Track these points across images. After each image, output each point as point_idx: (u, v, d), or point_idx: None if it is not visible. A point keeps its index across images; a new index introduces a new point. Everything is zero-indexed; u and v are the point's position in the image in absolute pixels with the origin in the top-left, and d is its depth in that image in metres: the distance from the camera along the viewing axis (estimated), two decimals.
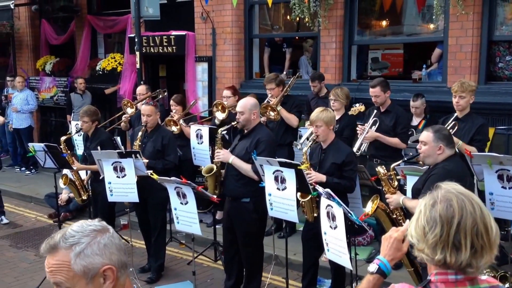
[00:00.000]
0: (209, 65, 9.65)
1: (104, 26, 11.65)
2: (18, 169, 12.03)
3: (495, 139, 6.83)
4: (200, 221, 6.29)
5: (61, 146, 6.87)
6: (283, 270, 6.55)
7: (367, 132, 6.34)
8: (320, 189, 4.66)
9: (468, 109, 5.78)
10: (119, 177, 6.07)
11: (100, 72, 11.47)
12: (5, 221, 8.75)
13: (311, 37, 9.49)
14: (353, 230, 4.75)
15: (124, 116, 8.19)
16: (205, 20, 9.51)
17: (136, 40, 8.93)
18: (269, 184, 5.24)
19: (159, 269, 6.61)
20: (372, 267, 2.34)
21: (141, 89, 8.34)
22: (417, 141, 6.32)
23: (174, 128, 7.46)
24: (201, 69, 9.75)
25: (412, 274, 4.61)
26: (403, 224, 4.62)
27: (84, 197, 7.19)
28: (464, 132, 5.66)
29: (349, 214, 4.32)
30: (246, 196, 5.57)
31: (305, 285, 5.78)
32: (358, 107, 6.97)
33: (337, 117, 6.22)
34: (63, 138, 6.98)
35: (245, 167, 5.51)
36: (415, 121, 6.83)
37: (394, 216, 4.72)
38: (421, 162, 4.79)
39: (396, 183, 4.78)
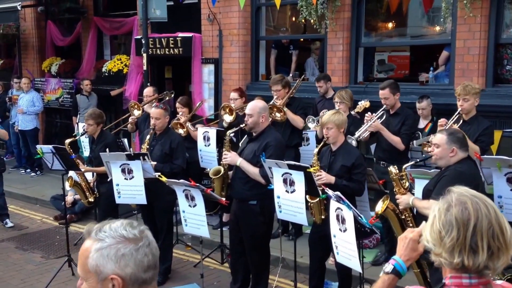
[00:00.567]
0: (215, 67, 9.64)
1: (110, 27, 11.66)
2: (23, 171, 12.02)
3: (502, 142, 6.79)
4: None
5: (66, 148, 6.86)
6: (289, 272, 6.55)
7: (373, 121, 6.33)
8: (330, 192, 4.65)
9: (474, 112, 5.75)
10: (126, 179, 6.07)
11: (106, 74, 11.47)
12: (9, 224, 8.68)
13: (318, 39, 9.48)
14: (359, 233, 4.74)
15: (131, 118, 8.19)
16: (212, 21, 9.51)
17: (143, 42, 8.93)
18: (278, 187, 5.23)
19: (166, 271, 6.60)
20: (388, 267, 2.34)
21: (148, 91, 8.34)
22: (421, 144, 6.35)
23: (181, 131, 7.45)
24: (208, 71, 9.75)
25: (418, 276, 4.59)
26: (411, 225, 4.66)
27: (91, 199, 7.18)
28: (469, 135, 5.61)
29: (359, 218, 4.31)
30: (253, 199, 5.58)
31: (311, 287, 5.76)
32: (364, 104, 6.96)
33: None
34: (68, 140, 6.95)
35: (252, 171, 5.51)
36: (422, 123, 6.79)
37: (403, 217, 4.72)
38: (433, 164, 4.77)
39: (407, 184, 4.77)
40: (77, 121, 10.74)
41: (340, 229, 4.54)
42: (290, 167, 5.09)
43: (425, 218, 4.08)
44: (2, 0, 12.58)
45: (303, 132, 7.52)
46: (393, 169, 4.82)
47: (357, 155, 5.36)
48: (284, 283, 6.42)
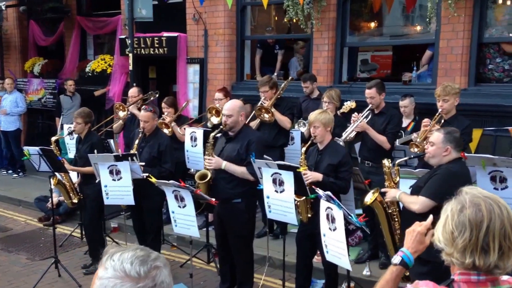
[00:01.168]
0: (200, 66, 9.63)
1: (94, 27, 11.58)
2: (5, 172, 11.90)
3: (482, 140, 6.86)
4: None
5: (52, 146, 6.81)
6: (275, 271, 6.61)
7: (360, 121, 6.39)
8: (320, 191, 4.69)
9: (454, 111, 5.82)
10: (114, 180, 6.04)
11: (90, 74, 11.39)
12: None
13: (303, 39, 9.52)
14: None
15: (121, 118, 8.10)
16: (197, 21, 9.50)
17: (129, 42, 8.88)
18: (267, 187, 5.25)
19: None
20: (396, 258, 2.43)
21: (133, 91, 8.26)
22: (405, 143, 6.42)
23: (166, 131, 7.42)
24: (193, 70, 9.73)
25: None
26: (396, 220, 4.82)
27: (75, 200, 7.12)
28: None
29: (349, 217, 4.36)
30: (237, 197, 5.57)
31: (298, 286, 5.79)
32: (349, 104, 7.02)
33: None
34: (53, 138, 6.92)
35: (240, 170, 5.49)
36: (405, 122, 6.86)
37: (390, 211, 4.86)
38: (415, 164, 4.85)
39: (398, 178, 4.85)
40: (60, 122, 10.65)
41: (330, 228, 4.58)
42: (280, 167, 5.11)
43: (411, 213, 4.18)
44: None
45: (290, 132, 7.54)
46: (386, 161, 4.91)
47: (343, 153, 5.39)
48: (270, 281, 6.46)
